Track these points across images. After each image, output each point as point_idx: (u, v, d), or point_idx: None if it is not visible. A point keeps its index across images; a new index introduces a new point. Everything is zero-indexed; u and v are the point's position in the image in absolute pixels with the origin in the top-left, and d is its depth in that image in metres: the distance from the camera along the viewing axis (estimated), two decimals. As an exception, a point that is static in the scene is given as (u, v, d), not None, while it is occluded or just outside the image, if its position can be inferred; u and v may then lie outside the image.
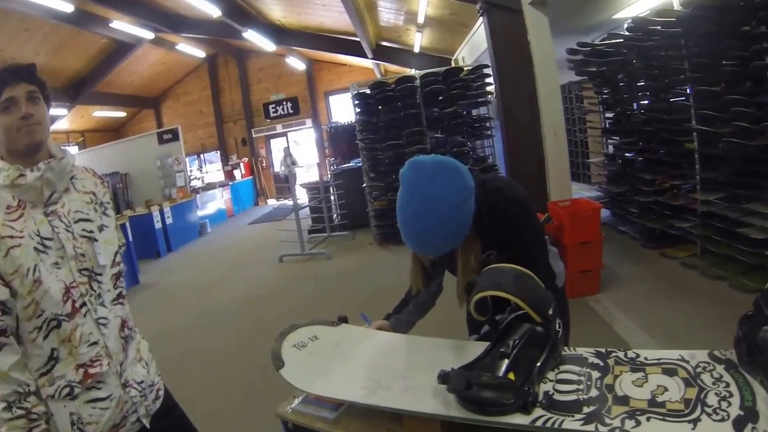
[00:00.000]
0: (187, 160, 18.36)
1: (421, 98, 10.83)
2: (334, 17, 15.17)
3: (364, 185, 11.57)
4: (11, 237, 1.95)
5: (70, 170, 2.19)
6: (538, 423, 1.50)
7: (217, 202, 19.22)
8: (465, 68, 11.13)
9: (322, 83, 23.70)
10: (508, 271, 1.81)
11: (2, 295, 1.90)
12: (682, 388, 1.51)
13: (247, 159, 23.59)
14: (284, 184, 18.08)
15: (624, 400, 1.51)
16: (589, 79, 9.44)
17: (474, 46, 12.73)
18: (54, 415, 1.99)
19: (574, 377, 1.67)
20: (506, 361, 1.69)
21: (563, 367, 1.74)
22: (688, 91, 6.48)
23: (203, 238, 16.42)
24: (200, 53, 22.02)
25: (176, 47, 20.05)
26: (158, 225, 14.21)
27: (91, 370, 2.04)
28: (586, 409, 1.51)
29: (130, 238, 11.37)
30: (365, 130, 11.33)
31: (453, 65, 14.09)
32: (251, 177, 23.63)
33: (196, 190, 18.23)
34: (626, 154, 8.70)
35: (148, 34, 16.83)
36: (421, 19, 12.67)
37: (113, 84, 20.68)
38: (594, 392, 1.58)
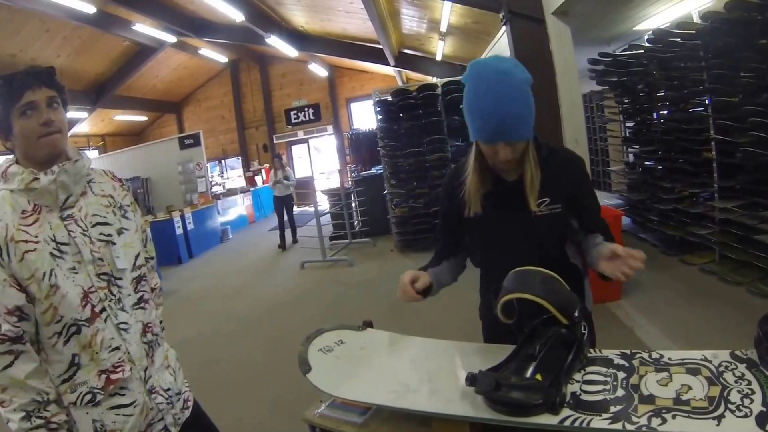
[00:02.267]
0: (208, 165, 18.46)
1: (442, 106, 10.97)
2: (357, 24, 15.25)
3: (386, 192, 11.65)
4: (26, 242, 1.94)
5: (87, 173, 2.17)
6: (566, 423, 1.54)
7: (239, 208, 19.22)
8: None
9: (343, 90, 23.81)
10: (534, 274, 1.82)
11: (18, 300, 1.91)
12: (706, 387, 1.55)
13: (268, 165, 23.44)
14: (305, 191, 17.90)
15: (649, 399, 1.55)
16: (610, 88, 9.61)
17: (497, 55, 12.64)
18: (77, 422, 2.00)
19: (600, 378, 1.70)
20: (533, 363, 1.74)
21: (589, 369, 1.77)
22: (706, 102, 6.64)
23: (225, 244, 16.41)
24: (222, 58, 22.16)
25: (199, 52, 20.19)
26: (179, 231, 14.22)
27: (114, 376, 2.03)
28: (612, 409, 1.54)
29: (151, 244, 11.45)
30: (386, 137, 11.43)
31: None
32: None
33: (217, 196, 18.28)
34: (646, 163, 8.84)
35: (171, 38, 16.96)
36: (444, 28, 12.77)
37: (135, 88, 20.81)
38: (620, 392, 1.61)
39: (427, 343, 2.31)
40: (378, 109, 11.56)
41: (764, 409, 1.42)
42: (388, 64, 17.65)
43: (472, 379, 1.66)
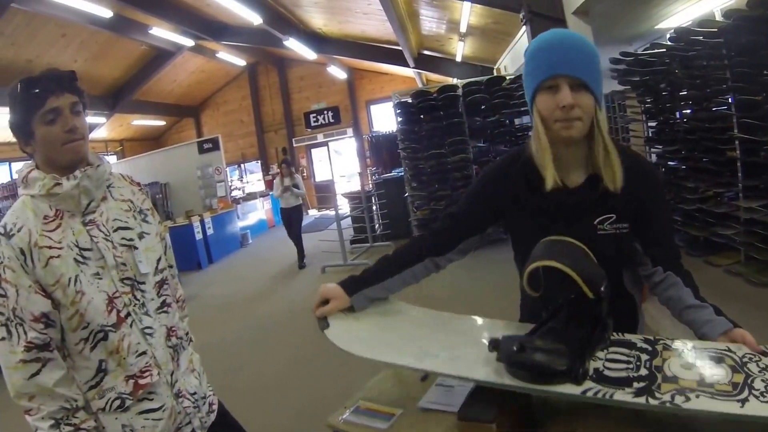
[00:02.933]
0: (227, 169, 18.47)
1: (463, 107, 10.99)
2: (376, 26, 15.29)
3: (407, 195, 11.68)
4: (50, 247, 1.94)
5: (107, 178, 2.17)
6: (589, 394, 1.53)
7: (258, 212, 19.36)
8: (507, 77, 11.32)
9: (363, 92, 23.84)
10: (564, 243, 1.72)
11: (44, 306, 1.90)
12: (729, 373, 1.53)
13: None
14: (326, 194, 17.82)
15: (673, 379, 1.53)
16: (632, 88, 9.59)
17: (517, 55, 12.82)
18: (106, 428, 2.01)
19: (623, 357, 1.67)
20: (558, 336, 1.71)
21: (612, 349, 1.72)
22: (730, 101, 6.64)
23: (244, 249, 16.47)
24: (241, 61, 22.27)
25: (216, 55, 20.28)
26: (199, 236, 14.30)
27: (142, 381, 2.05)
28: (636, 384, 1.53)
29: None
30: (407, 139, 11.48)
31: (495, 74, 14.19)
32: None
33: (237, 201, 18.37)
34: (669, 163, 8.79)
35: (188, 42, 17.07)
36: (463, 28, 12.82)
37: (152, 92, 20.94)
38: (643, 371, 1.59)
39: (452, 317, 2.22)
40: (398, 111, 11.62)
41: None
42: (408, 66, 17.69)
43: (494, 344, 1.65)
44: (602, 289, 1.66)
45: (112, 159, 20.56)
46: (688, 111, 8.04)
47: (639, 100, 9.53)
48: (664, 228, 1.95)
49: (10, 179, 15.91)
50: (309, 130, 23.88)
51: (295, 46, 16.62)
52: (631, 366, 1.62)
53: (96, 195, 2.09)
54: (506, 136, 11.37)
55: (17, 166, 17.48)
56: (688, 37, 7.09)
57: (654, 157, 9.93)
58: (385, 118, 22.27)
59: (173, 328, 2.26)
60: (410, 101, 11.55)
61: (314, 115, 23.66)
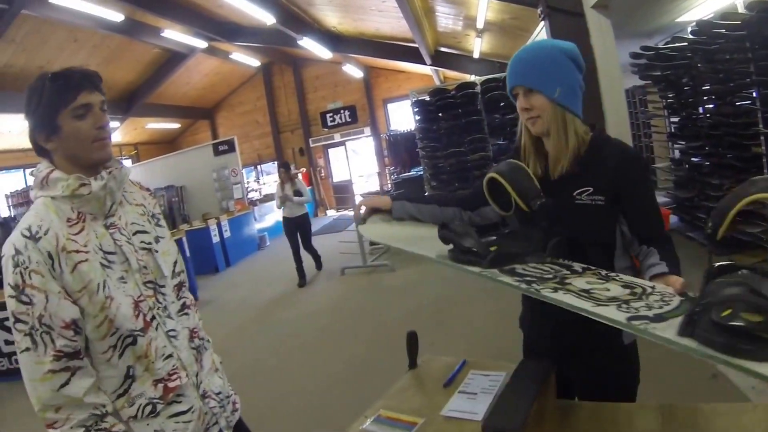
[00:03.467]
0: (243, 171, 18.51)
1: (482, 104, 10.94)
2: (392, 23, 15.23)
3: (426, 194, 11.40)
4: (77, 251, 1.91)
5: (127, 181, 2.19)
6: (485, 274, 1.87)
7: (276, 214, 19.01)
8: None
9: (380, 91, 23.78)
10: (511, 163, 2.07)
11: (74, 313, 1.86)
12: (618, 292, 1.70)
13: (305, 169, 23.61)
14: (344, 195, 17.74)
15: (565, 284, 1.74)
16: (653, 83, 9.50)
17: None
18: None
19: (549, 269, 1.92)
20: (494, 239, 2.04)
21: (549, 266, 1.97)
22: (754, 95, 6.56)
23: (262, 251, 16.45)
24: (255, 62, 22.28)
25: (230, 56, 20.30)
26: (216, 239, 14.27)
27: (171, 384, 2.05)
28: (528, 278, 1.80)
29: (188, 253, 11.41)
30: (426, 137, 11.43)
31: None
32: (310, 187, 23.39)
33: (253, 202, 18.39)
34: (693, 159, 8.73)
35: (201, 43, 17.04)
36: (480, 24, 12.69)
37: (166, 95, 21.03)
38: (548, 275, 1.84)
39: None
40: (416, 109, 11.58)
41: (660, 312, 1.56)
42: (425, 63, 17.59)
43: (443, 227, 2.05)
44: (537, 203, 1.97)
45: (126, 163, 20.48)
46: (711, 106, 7.92)
47: (661, 95, 9.45)
48: (645, 206, 2.18)
49: (24, 186, 16.16)
50: (326, 129, 23.89)
51: (309, 45, 16.59)
52: (547, 274, 1.86)
53: (117, 197, 2.09)
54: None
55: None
56: (710, 30, 6.99)
57: (677, 153, 9.85)
58: (402, 117, 22.29)
59: (195, 330, 2.28)
60: (428, 99, 11.48)
61: (331, 114, 23.67)
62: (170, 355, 2.08)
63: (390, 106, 23.93)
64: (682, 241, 8.43)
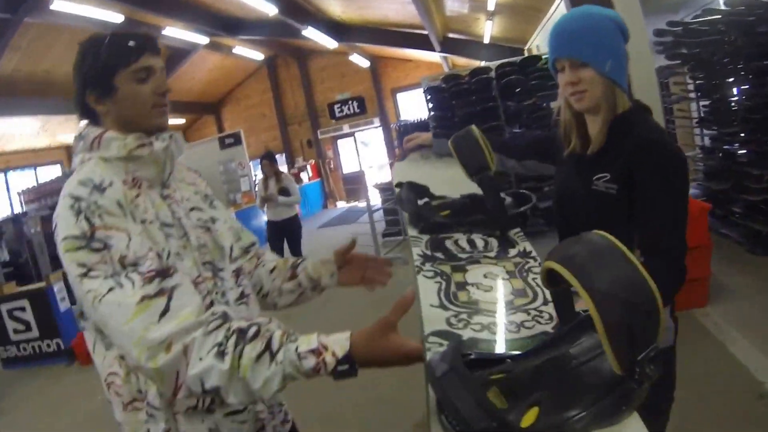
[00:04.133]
0: (251, 164, 18.77)
1: (497, 90, 10.57)
2: (398, 9, 15.08)
3: None
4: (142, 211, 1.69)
5: (183, 151, 1.95)
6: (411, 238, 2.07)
7: None
8: (543, 57, 10.66)
9: (388, 80, 23.75)
10: (466, 131, 2.17)
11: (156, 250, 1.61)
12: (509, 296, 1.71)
13: (313, 161, 23.80)
14: (354, 186, 17.64)
15: (459, 271, 1.83)
16: (682, 62, 8.81)
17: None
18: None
19: (466, 247, 1.99)
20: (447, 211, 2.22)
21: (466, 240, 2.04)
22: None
23: (272, 242, 16.37)
24: (259, 55, 22.32)
25: (233, 51, 20.40)
26: (224, 230, 14.31)
27: None
28: (437, 256, 1.92)
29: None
30: (440, 126, 10.99)
31: (526, 55, 13.75)
32: (319, 179, 23.81)
33: (262, 195, 18.28)
34: (726, 147, 8.07)
35: (203, 39, 17.14)
36: (491, 6, 12.39)
37: (171, 91, 21.13)
38: (461, 255, 1.93)
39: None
40: (429, 96, 11.25)
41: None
42: (434, 50, 17.46)
43: (398, 185, 2.35)
44: (476, 176, 2.05)
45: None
46: (747, 87, 7.23)
47: (691, 76, 8.76)
48: (652, 206, 1.93)
49: (35, 184, 16.70)
50: (334, 121, 23.84)
51: (313, 35, 16.46)
52: (462, 253, 1.95)
53: (175, 166, 1.89)
54: (543, 120, 10.65)
55: (42, 170, 19.40)
56: (749, 1, 6.30)
57: (707, 141, 9.19)
58: (412, 106, 22.26)
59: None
60: (441, 86, 11.16)
61: (338, 105, 23.58)
62: None
63: (399, 96, 23.85)
64: (715, 239, 7.70)
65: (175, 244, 1.73)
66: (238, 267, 2.01)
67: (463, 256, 1.88)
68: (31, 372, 8.21)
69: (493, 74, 10.67)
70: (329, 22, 17.44)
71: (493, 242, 2.00)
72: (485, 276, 1.77)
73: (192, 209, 1.90)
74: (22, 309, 8.44)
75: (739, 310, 5.58)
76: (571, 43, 1.96)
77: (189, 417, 1.67)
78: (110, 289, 1.48)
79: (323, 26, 16.81)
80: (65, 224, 1.54)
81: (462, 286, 1.70)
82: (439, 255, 1.90)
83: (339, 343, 1.44)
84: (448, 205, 2.14)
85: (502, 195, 2.18)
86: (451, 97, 10.96)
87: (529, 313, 1.57)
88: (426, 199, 2.29)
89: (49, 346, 8.41)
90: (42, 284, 8.68)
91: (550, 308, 1.54)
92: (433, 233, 2.02)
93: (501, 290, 1.70)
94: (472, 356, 1.33)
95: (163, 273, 1.53)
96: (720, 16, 7.16)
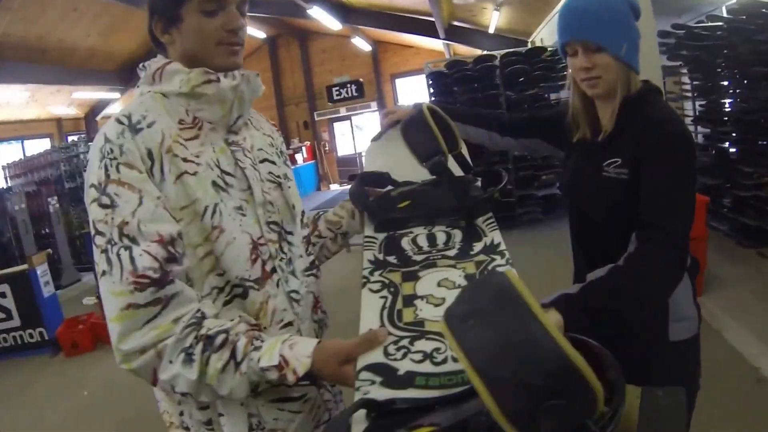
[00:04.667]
0: None
1: (501, 79, 10.74)
2: None
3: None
4: (185, 160, 1.52)
5: (259, 95, 1.77)
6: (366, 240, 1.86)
7: None
8: (549, 48, 10.99)
9: (387, 66, 23.76)
10: (414, 114, 1.90)
11: (172, 228, 1.44)
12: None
13: (309, 143, 23.78)
14: (351, 168, 17.61)
15: (411, 279, 1.62)
16: (683, 63, 9.24)
17: (556, 27, 12.31)
18: (226, 415, 1.55)
19: (423, 246, 1.76)
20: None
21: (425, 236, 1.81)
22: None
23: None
24: (261, 34, 22.21)
25: (235, 27, 20.07)
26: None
27: None
28: (389, 259, 1.72)
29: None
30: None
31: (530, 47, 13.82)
32: (313, 161, 23.83)
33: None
34: (718, 144, 8.51)
35: (205, 13, 16.90)
36: None
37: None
38: (416, 258, 1.71)
39: None
40: (431, 81, 11.33)
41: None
42: (437, 37, 17.45)
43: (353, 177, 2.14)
44: (427, 163, 1.78)
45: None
46: (741, 90, 7.67)
47: (690, 77, 9.19)
48: (654, 191, 1.78)
49: (23, 157, 16.12)
50: (331, 104, 23.76)
51: (318, 15, 16.34)
52: (418, 255, 1.73)
53: (246, 108, 1.71)
54: (544, 110, 10.90)
55: (30, 144, 18.47)
56: (753, 10, 6.73)
57: (701, 138, 9.63)
58: (411, 92, 22.41)
59: (319, 299, 1.89)
60: (445, 71, 11.27)
61: (337, 88, 23.34)
62: (290, 323, 1.67)
63: (398, 81, 23.88)
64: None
65: (237, 196, 1.60)
66: (309, 234, 1.96)
67: (419, 258, 1.68)
68: (12, 365, 7.51)
69: (497, 62, 10.81)
70: (335, 2, 17.38)
71: (457, 235, 1.77)
72: (439, 284, 1.55)
73: (263, 161, 1.76)
74: (2, 295, 7.58)
75: (732, 299, 5.86)
76: (585, 25, 1.85)
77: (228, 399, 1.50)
78: (103, 273, 1.39)
79: (329, 7, 16.71)
80: (90, 169, 1.48)
81: (410, 300, 1.51)
82: (391, 259, 1.70)
83: (300, 360, 1.37)
84: (408, 194, 1.91)
85: (470, 176, 2.01)
86: (454, 83, 11.06)
87: None
88: (389, 188, 2.04)
89: (31, 336, 7.66)
90: (24, 267, 7.75)
91: None
92: (390, 230, 1.82)
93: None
94: (396, 405, 1.22)
95: (162, 283, 1.37)
96: (722, 23, 7.56)
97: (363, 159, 2.25)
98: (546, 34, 13.82)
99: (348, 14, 17.94)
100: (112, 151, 1.44)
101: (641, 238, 1.70)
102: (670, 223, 1.70)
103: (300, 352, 1.39)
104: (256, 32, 21.62)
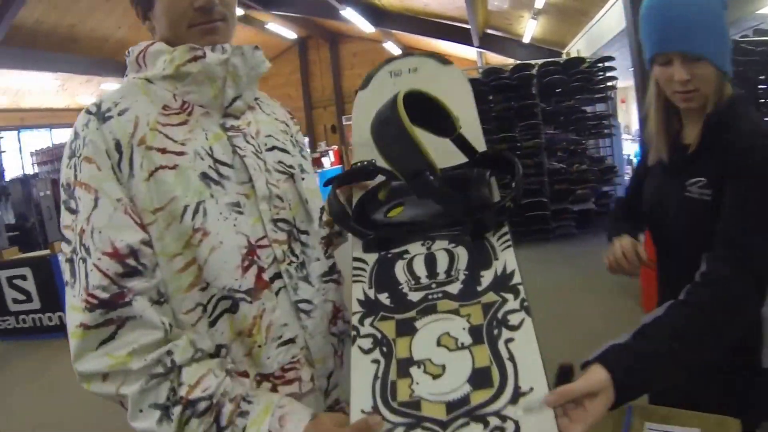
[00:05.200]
0: None
1: (537, 89, 10.51)
2: (439, 0, 15.00)
3: None
4: (163, 151, 1.32)
5: (261, 74, 1.54)
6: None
7: None
8: (587, 60, 10.79)
9: (416, 72, 23.58)
10: (383, 111, 1.43)
11: (132, 237, 1.25)
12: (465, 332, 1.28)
13: (336, 147, 23.76)
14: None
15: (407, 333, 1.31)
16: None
17: (593, 39, 12.35)
18: None
19: (422, 278, 1.40)
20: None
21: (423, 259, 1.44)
22: None
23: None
24: (291, 34, 22.28)
25: (266, 26, 20.30)
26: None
27: (284, 387, 1.38)
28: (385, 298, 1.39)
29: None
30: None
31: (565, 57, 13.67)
32: (340, 165, 23.67)
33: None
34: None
35: (237, 11, 16.82)
36: (539, 4, 12.30)
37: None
38: (411, 299, 1.37)
39: None
40: None
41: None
42: (470, 45, 17.33)
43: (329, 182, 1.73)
44: (412, 181, 1.40)
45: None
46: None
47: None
48: (737, 209, 1.56)
49: (51, 145, 16.49)
50: (359, 108, 23.73)
51: (351, 16, 16.29)
52: (416, 292, 1.38)
53: (245, 90, 1.47)
54: (579, 123, 10.80)
55: (58, 132, 18.78)
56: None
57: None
58: None
59: (340, 307, 1.60)
60: (481, 79, 10.96)
61: (366, 93, 23.47)
62: (292, 340, 1.41)
63: (424, 89, 23.72)
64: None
65: (233, 190, 1.38)
66: (329, 235, 1.70)
67: (416, 297, 1.36)
68: (31, 346, 7.68)
69: (534, 72, 10.54)
70: (368, 5, 17.25)
71: (462, 256, 1.42)
72: (439, 343, 1.27)
73: (272, 148, 1.53)
74: (23, 278, 7.81)
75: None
76: (688, 35, 1.61)
77: None
78: (67, 283, 1.28)
79: (361, 8, 16.56)
80: (61, 167, 1.35)
81: (405, 367, 1.25)
82: (383, 298, 1.38)
83: None
84: (399, 193, 1.59)
85: (479, 171, 1.64)
86: (490, 91, 10.75)
87: (486, 425, 1.10)
88: (377, 181, 1.69)
89: (50, 319, 7.80)
90: (46, 252, 8.13)
91: (520, 408, 1.10)
92: (381, 250, 1.48)
93: (456, 375, 1.21)
94: None
95: (113, 304, 1.20)
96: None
97: (352, 116, 1.89)
98: (582, 45, 13.59)
99: (380, 18, 17.87)
100: (77, 147, 1.29)
101: (714, 257, 1.51)
102: (752, 242, 1.50)
103: (291, 429, 1.21)
104: (286, 32, 21.70)
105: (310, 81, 24.97)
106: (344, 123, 24.35)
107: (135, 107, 1.32)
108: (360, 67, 24.07)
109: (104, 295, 1.19)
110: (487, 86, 10.73)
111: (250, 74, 1.46)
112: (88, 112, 1.31)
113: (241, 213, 1.36)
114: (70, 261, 1.26)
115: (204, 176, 1.33)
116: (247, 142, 1.44)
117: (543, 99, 10.51)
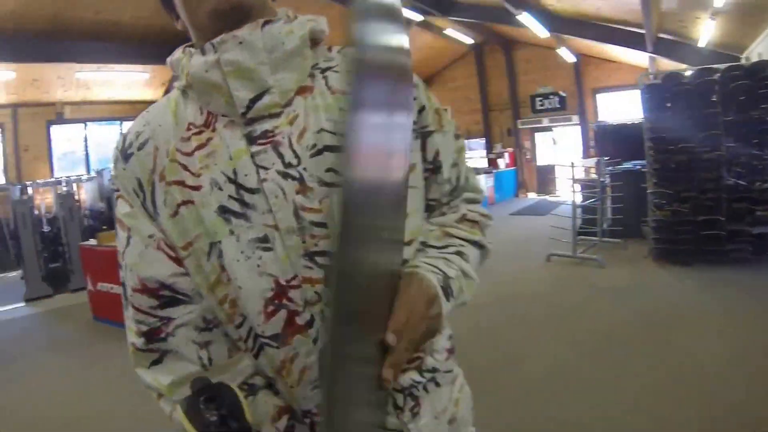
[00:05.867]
0: None
1: (719, 97, 9.56)
2: (612, 3, 14.79)
3: (649, 191, 10.31)
4: (182, 185, 1.20)
5: (302, 44, 1.22)
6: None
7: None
8: (777, 64, 9.76)
9: (589, 79, 23.51)
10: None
11: (161, 272, 1.21)
12: None
13: (511, 149, 24.27)
14: (548, 178, 17.55)
15: None
16: None
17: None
18: None
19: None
20: None
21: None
22: None
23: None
24: (468, 39, 22.65)
25: (444, 32, 20.89)
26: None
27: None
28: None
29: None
30: (656, 128, 10.14)
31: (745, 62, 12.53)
32: (514, 168, 24.28)
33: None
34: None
35: (417, 17, 17.60)
36: (719, 3, 11.24)
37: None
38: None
39: None
40: (647, 96, 10.42)
41: None
42: (643, 50, 16.94)
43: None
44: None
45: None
46: None
47: None
48: None
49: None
50: (533, 113, 24.10)
51: (527, 21, 16.45)
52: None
53: (269, 79, 1.18)
54: (764, 136, 9.56)
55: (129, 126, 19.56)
56: None
57: None
58: (611, 109, 22.23)
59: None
60: (661, 85, 10.42)
61: (540, 99, 23.75)
62: None
63: (598, 96, 23.60)
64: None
65: (259, 221, 1.17)
66: (414, 249, 1.34)
67: None
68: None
69: (717, 77, 9.57)
70: (542, 10, 17.18)
71: None
72: None
73: (322, 151, 1.18)
74: None
75: None
76: None
77: None
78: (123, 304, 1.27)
79: (536, 14, 16.60)
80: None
81: None
82: None
83: None
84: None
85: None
86: (670, 98, 10.13)
87: None
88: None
89: None
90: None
91: None
92: None
93: None
94: None
95: (149, 335, 1.20)
96: None
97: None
98: (764, 49, 12.48)
99: (554, 23, 17.86)
100: (113, 183, 1.29)
101: None
102: None
103: None
104: (463, 37, 22.12)
105: (487, 84, 25.50)
106: (519, 127, 24.68)
107: (156, 136, 1.25)
108: (533, 72, 24.22)
109: (144, 328, 1.21)
110: (670, 92, 10.12)
111: (273, 58, 1.18)
112: (117, 147, 1.29)
113: (269, 249, 1.16)
114: (123, 285, 1.26)
115: (222, 210, 1.17)
116: (279, 154, 1.18)
117: (726, 107, 9.56)
